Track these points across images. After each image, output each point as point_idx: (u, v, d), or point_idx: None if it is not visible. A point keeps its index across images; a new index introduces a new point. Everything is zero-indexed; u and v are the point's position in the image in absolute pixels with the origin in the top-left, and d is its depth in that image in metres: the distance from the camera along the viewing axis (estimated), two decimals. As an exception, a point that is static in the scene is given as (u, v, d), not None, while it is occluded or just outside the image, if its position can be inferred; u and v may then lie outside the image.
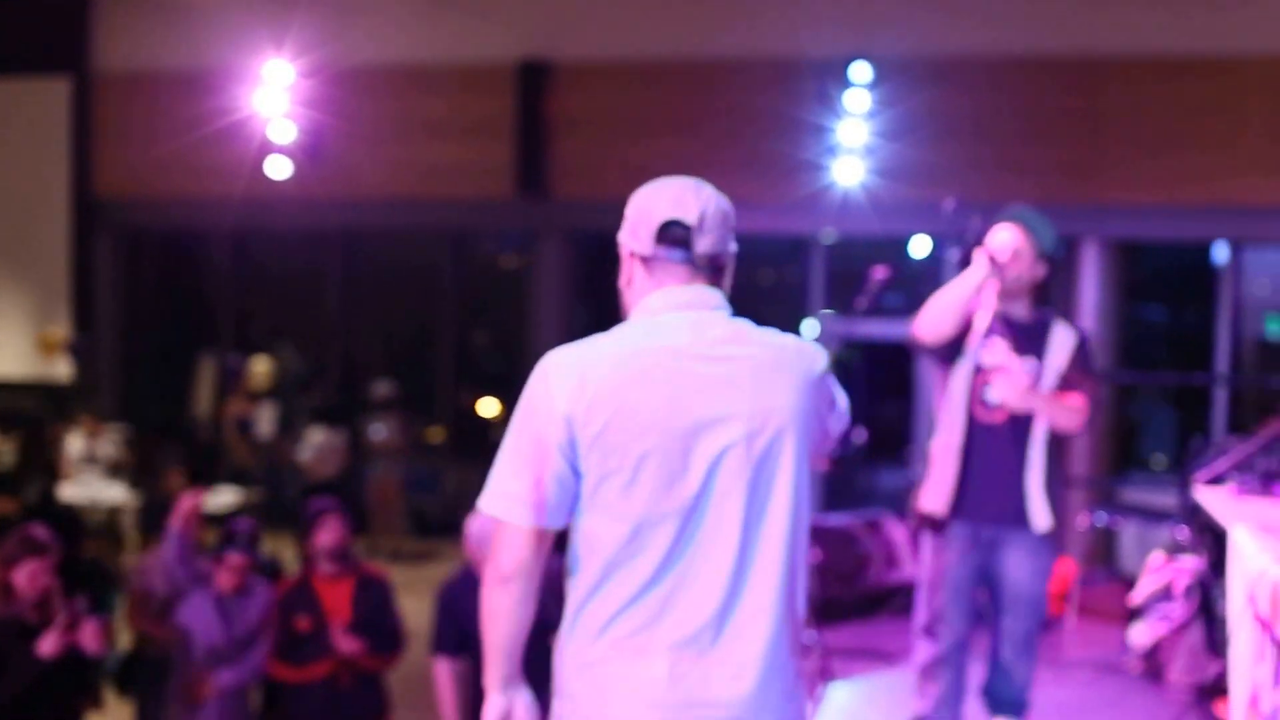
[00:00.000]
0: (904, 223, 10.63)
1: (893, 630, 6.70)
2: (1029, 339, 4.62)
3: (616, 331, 2.41)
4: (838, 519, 7.64)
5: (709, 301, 2.41)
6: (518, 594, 2.46)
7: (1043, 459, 4.59)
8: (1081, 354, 4.66)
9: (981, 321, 4.62)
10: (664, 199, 2.42)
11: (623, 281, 2.52)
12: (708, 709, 2.29)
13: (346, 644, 5.31)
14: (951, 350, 4.68)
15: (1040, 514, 4.59)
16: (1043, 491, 4.58)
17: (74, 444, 10.45)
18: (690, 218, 2.38)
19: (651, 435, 2.27)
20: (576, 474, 2.34)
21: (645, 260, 2.43)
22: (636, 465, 2.28)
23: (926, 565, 4.80)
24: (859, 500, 10.04)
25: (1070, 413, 4.56)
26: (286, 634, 5.42)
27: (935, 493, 4.68)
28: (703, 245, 2.39)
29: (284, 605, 5.46)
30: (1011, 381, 4.49)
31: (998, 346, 4.57)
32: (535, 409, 2.34)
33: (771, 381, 2.32)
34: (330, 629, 5.32)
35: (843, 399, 2.56)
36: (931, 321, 4.63)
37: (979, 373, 4.62)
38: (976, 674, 4.84)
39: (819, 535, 7.12)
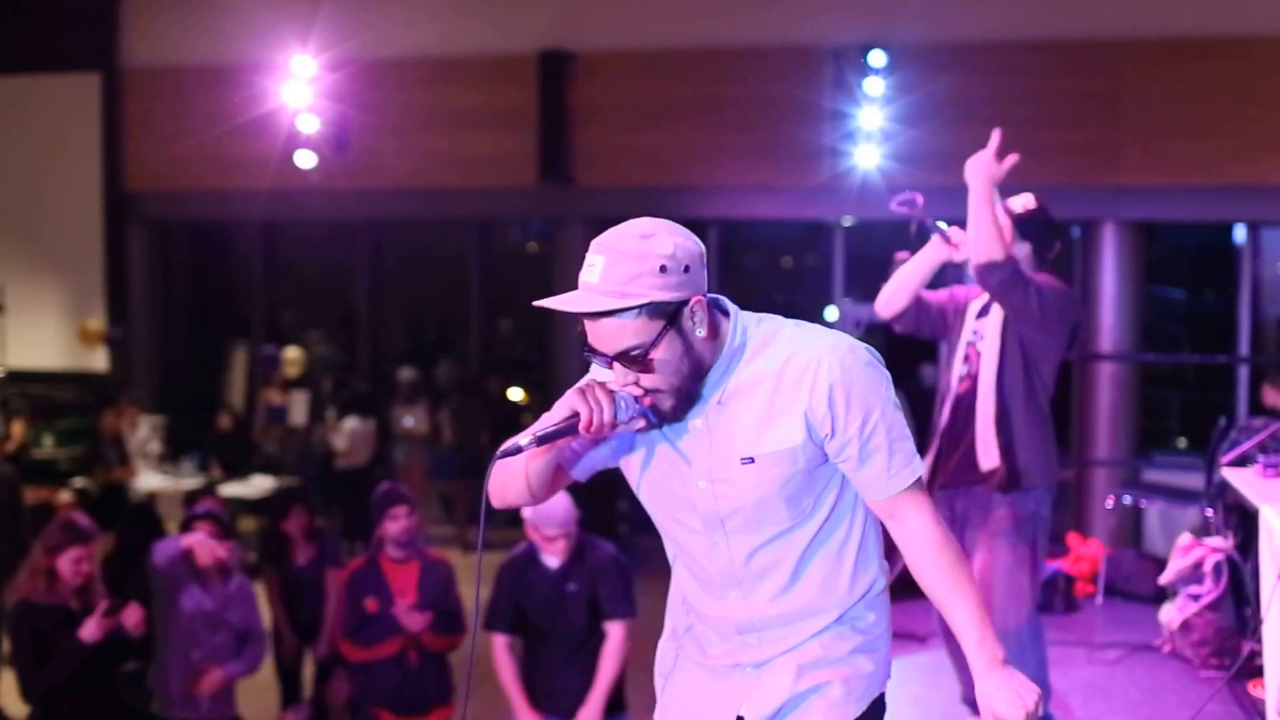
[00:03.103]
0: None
1: (924, 611, 6.76)
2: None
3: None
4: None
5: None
6: None
7: (997, 409, 4.46)
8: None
9: (976, 305, 4.68)
10: None
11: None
12: None
13: (412, 621, 5.47)
14: (919, 324, 4.78)
15: (986, 454, 4.46)
16: (993, 436, 4.45)
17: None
18: None
19: None
20: None
21: None
22: None
23: None
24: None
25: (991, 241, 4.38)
26: (355, 615, 5.58)
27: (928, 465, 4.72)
28: None
29: (352, 587, 5.63)
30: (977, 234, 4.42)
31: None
32: (890, 385, 2.53)
33: None
34: (396, 607, 5.49)
35: None
36: (886, 298, 4.75)
37: (966, 348, 4.64)
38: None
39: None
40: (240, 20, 11.28)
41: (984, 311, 4.63)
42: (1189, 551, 5.95)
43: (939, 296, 4.81)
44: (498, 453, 2.39)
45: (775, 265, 12.96)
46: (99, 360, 12.60)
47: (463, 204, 11.95)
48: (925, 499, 2.55)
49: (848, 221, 11.30)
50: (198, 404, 12.59)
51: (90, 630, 4.97)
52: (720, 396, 2.48)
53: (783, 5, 10.82)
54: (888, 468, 2.49)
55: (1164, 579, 6.10)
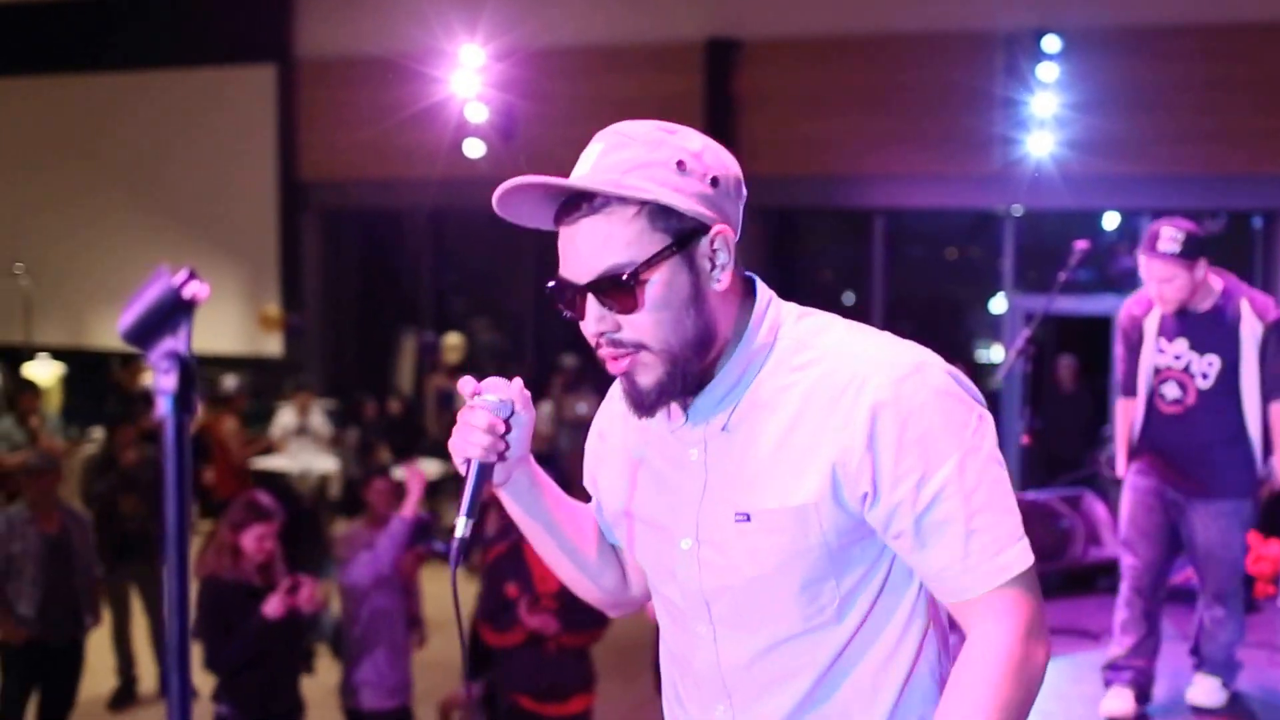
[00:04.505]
0: (1095, 196, 10.45)
1: (1097, 608, 6.60)
2: (1210, 330, 4.60)
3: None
4: (1037, 495, 7.55)
5: None
6: None
7: (1233, 437, 4.60)
8: (1272, 344, 4.55)
9: (1152, 322, 4.67)
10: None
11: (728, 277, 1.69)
12: None
13: (534, 621, 5.38)
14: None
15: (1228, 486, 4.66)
16: (1229, 467, 4.61)
17: (285, 417, 10.92)
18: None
19: None
20: None
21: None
22: None
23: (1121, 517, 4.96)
24: (1056, 476, 9.89)
25: None
26: (495, 599, 5.55)
27: (1121, 458, 4.84)
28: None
29: (495, 571, 5.61)
30: None
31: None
32: (982, 427, 1.66)
33: None
34: (524, 602, 5.40)
35: None
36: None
37: (1157, 372, 4.67)
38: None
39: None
40: (409, 10, 11.48)
41: (1190, 338, 4.60)
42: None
43: (1128, 348, 4.81)
44: (451, 559, 1.68)
45: (939, 257, 12.78)
46: (273, 345, 12.97)
47: (628, 193, 11.99)
48: (1021, 606, 1.62)
49: (1018, 211, 11.08)
50: (367, 389, 12.90)
51: (273, 606, 5.11)
52: (728, 418, 1.69)
53: (953, -10, 10.67)
54: (963, 553, 1.61)
55: (1354, 582, 5.89)
